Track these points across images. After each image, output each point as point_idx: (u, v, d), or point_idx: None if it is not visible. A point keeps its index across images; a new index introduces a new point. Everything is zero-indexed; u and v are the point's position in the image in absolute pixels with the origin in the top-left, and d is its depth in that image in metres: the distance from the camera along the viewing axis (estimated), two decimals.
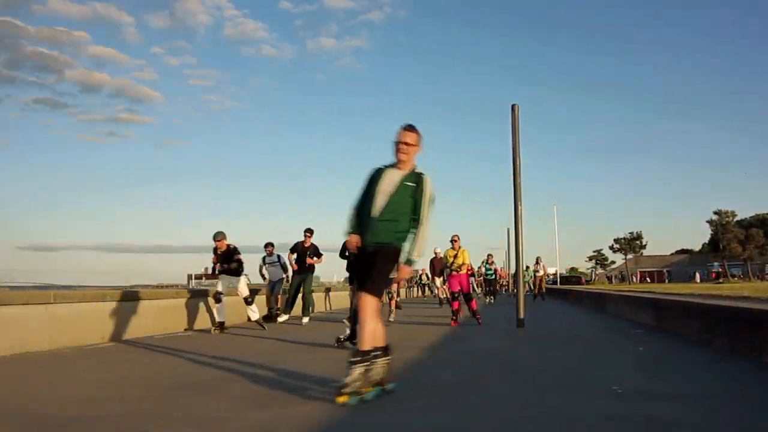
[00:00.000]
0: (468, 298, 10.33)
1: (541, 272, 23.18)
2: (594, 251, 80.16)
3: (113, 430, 3.08)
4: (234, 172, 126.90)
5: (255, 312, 9.66)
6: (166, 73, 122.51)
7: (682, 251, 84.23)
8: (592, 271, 78.20)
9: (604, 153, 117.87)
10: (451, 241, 10.62)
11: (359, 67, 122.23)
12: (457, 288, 10.26)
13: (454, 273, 10.32)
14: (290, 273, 11.57)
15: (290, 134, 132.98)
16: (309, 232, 10.90)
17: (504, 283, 33.51)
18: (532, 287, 25.98)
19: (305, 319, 10.62)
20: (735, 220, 70.86)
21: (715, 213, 71.46)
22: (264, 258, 11.93)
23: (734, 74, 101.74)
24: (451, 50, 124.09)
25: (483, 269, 21.00)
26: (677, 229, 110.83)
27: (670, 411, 3.37)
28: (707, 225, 72.89)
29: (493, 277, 20.68)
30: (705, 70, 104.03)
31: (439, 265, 15.99)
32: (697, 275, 68.05)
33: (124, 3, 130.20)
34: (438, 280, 17.35)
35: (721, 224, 69.90)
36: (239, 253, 9.54)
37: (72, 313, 7.09)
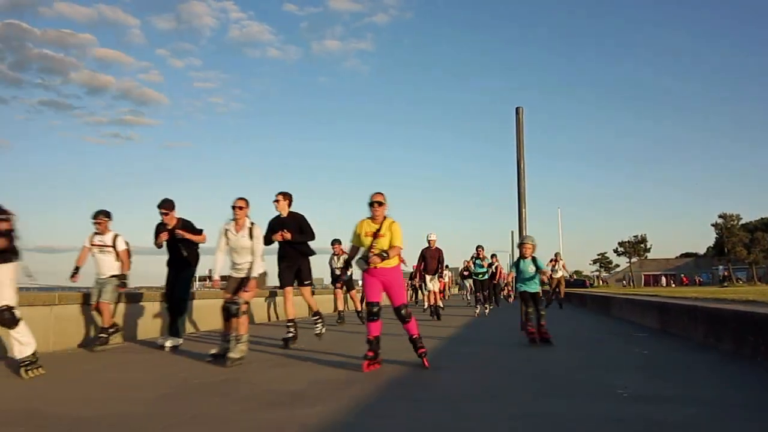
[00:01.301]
0: (402, 315, 5.39)
1: (560, 272, 18.15)
2: (598, 254, 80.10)
3: (121, 431, 3.11)
4: (238, 174, 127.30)
5: (22, 340, 4.92)
6: (171, 75, 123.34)
7: (687, 255, 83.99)
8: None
9: (608, 156, 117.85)
10: (371, 204, 5.43)
11: (364, 69, 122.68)
12: (377, 296, 5.38)
13: (372, 266, 5.32)
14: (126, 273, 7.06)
15: (294, 136, 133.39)
16: (165, 207, 7.02)
17: (504, 286, 31.52)
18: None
19: (168, 342, 6.95)
20: (740, 223, 70.64)
21: (721, 216, 71.31)
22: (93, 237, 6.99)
23: (739, 78, 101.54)
24: (456, 53, 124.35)
25: (472, 266, 15.29)
26: (682, 232, 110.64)
27: (674, 414, 3.38)
28: (712, 228, 72.70)
29: (486, 277, 14.90)
30: (710, 74, 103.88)
31: (433, 261, 12.50)
32: (663, 279, 68.00)
33: (130, 5, 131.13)
34: (429, 281, 12.87)
35: (726, 227, 69.65)
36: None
37: (77, 314, 7.13)
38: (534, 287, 7.64)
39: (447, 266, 24.40)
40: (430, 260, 12.43)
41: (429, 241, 12.40)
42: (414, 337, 5.46)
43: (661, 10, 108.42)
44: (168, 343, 6.94)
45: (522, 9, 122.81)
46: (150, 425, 3.16)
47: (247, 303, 5.85)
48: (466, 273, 15.28)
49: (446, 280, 24.45)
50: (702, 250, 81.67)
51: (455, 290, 35.47)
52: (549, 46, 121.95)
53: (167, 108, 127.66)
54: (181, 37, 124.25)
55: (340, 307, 11.69)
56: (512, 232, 30.87)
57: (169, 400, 3.85)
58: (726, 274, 66.60)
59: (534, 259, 7.59)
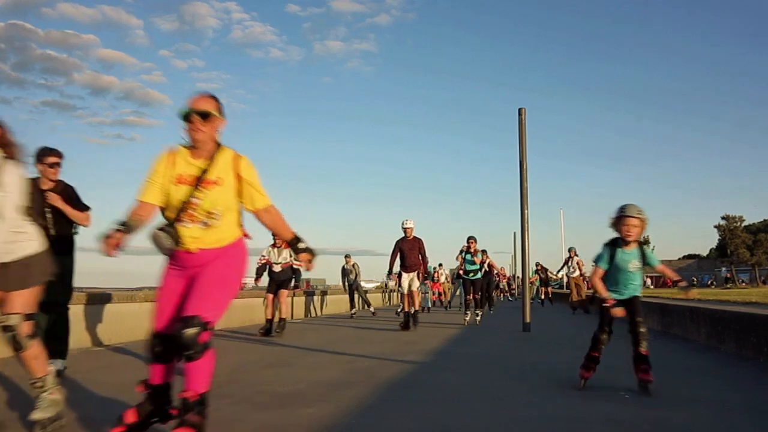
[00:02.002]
0: (186, 340, 2.54)
1: (576, 272, 15.04)
2: None
3: None
4: None
5: None
6: (174, 76, 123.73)
7: (690, 256, 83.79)
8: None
9: (611, 157, 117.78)
10: (187, 116, 2.72)
11: (367, 70, 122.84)
12: (167, 319, 2.75)
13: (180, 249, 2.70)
14: None
15: (297, 137, 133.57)
16: (49, 156, 4.75)
17: (505, 287, 28.62)
18: (538, 294, 22.78)
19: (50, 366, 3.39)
20: (743, 225, 70.43)
21: (723, 218, 71.08)
22: None
23: (743, 78, 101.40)
24: (459, 54, 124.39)
25: (461, 262, 11.67)
26: (685, 233, 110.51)
27: (676, 415, 3.35)
28: (715, 230, 72.53)
29: (479, 276, 11.91)
30: (713, 75, 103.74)
31: (413, 254, 10.12)
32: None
33: (133, 6, 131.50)
34: (405, 280, 10.18)
35: (729, 229, 69.44)
36: None
37: (79, 315, 7.12)
38: (635, 287, 4.40)
39: (440, 265, 22.66)
40: (409, 253, 10.09)
41: (405, 230, 10.04)
42: (189, 398, 2.65)
43: (663, 10, 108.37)
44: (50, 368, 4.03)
45: (524, 10, 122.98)
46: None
47: (30, 318, 3.02)
48: (461, 272, 12.31)
49: (443, 279, 22.99)
50: (705, 252, 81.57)
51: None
52: (551, 47, 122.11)
53: (170, 108, 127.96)
54: (183, 38, 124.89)
55: (269, 315, 8.81)
56: (514, 233, 30.77)
57: None
58: (728, 275, 66.39)
59: (641, 247, 4.34)
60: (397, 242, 10.13)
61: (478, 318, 11.65)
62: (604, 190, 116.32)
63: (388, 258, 10.23)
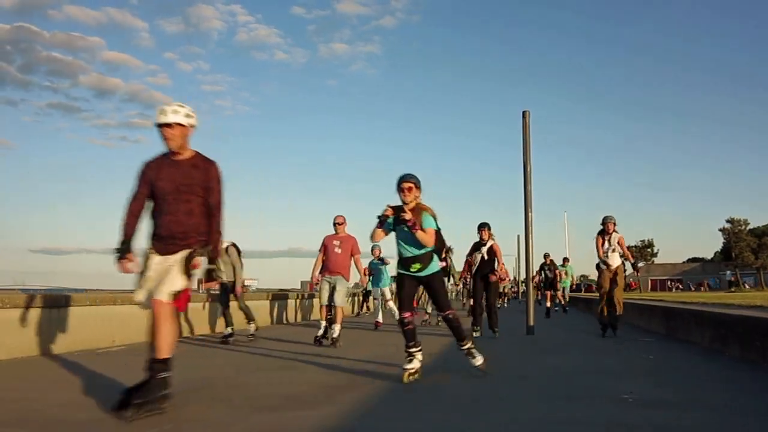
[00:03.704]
0: None
1: (618, 258, 9.19)
2: None
3: None
4: (245, 177, 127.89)
5: None
6: (179, 79, 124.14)
7: (694, 259, 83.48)
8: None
9: (614, 159, 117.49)
10: None
11: (371, 72, 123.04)
12: None
13: None
14: None
15: (302, 139, 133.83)
16: None
17: (510, 291, 24.62)
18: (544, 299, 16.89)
19: None
20: (748, 228, 70.13)
21: (728, 221, 70.80)
22: None
23: (747, 81, 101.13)
24: (463, 56, 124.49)
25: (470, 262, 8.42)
26: (689, 237, 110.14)
27: (680, 419, 3.33)
28: (720, 233, 72.27)
29: (431, 272, 4.93)
30: (718, 78, 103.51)
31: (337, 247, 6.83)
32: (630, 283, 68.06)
33: (138, 9, 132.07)
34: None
35: (733, 232, 69.17)
36: None
37: (83, 316, 7.13)
38: None
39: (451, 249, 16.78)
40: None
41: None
42: None
43: (668, 14, 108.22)
44: None
45: (529, 12, 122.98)
46: (147, 428, 3.14)
47: None
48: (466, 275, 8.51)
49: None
50: (709, 255, 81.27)
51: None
52: (556, 49, 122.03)
53: None
54: (189, 40, 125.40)
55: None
56: (518, 236, 30.69)
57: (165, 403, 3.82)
58: (733, 279, 66.10)
59: None
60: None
61: (479, 364, 5.07)
62: (608, 192, 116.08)
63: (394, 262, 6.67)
